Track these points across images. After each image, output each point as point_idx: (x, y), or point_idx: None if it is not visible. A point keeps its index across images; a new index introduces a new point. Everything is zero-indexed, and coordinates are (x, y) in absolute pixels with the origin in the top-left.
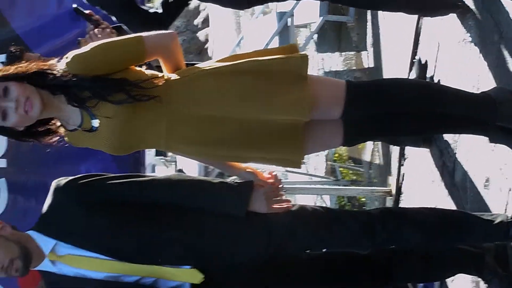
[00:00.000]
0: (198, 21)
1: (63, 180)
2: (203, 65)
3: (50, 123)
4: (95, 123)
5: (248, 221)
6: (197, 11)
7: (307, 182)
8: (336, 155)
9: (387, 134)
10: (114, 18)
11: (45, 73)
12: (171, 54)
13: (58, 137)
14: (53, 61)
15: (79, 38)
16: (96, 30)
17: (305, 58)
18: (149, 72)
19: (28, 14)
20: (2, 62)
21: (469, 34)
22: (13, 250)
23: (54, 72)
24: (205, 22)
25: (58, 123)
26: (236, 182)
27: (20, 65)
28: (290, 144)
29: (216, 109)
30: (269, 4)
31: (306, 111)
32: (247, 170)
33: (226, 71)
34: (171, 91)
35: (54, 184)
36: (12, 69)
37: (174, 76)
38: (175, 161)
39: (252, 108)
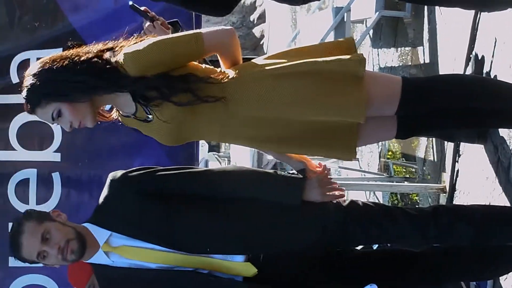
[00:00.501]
0: (254, 17)
1: (119, 172)
2: (260, 61)
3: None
4: (150, 116)
5: (302, 212)
6: (253, 7)
7: (360, 178)
8: (390, 153)
9: (442, 128)
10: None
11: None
12: (230, 51)
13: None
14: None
15: (135, 35)
16: (152, 24)
17: (363, 61)
18: (206, 67)
19: (85, 8)
20: None
21: None
22: (69, 232)
23: (118, 67)
24: (261, 18)
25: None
26: (290, 173)
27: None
28: (344, 142)
29: (272, 110)
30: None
31: (362, 115)
32: (299, 159)
33: (283, 73)
34: (228, 91)
35: (110, 176)
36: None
37: (231, 73)
38: (228, 156)
39: (308, 110)
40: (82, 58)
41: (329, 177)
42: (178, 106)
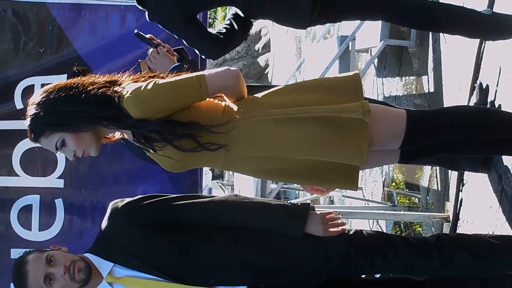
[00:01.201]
0: (258, 46)
1: (120, 202)
2: (263, 100)
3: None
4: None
5: (306, 240)
6: (258, 36)
7: (364, 207)
8: (393, 184)
9: (445, 154)
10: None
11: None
12: (234, 92)
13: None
14: (117, 86)
15: (140, 60)
16: (155, 50)
17: (367, 113)
18: (209, 102)
19: (90, 34)
20: None
21: None
22: (73, 256)
23: (122, 107)
24: (266, 47)
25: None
26: (293, 204)
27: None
28: (346, 174)
29: (275, 153)
30: (331, 28)
31: (365, 161)
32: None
33: (286, 118)
34: (232, 133)
35: (111, 206)
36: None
37: (235, 109)
38: (232, 185)
39: (311, 154)
40: (88, 89)
41: (332, 211)
42: (182, 151)
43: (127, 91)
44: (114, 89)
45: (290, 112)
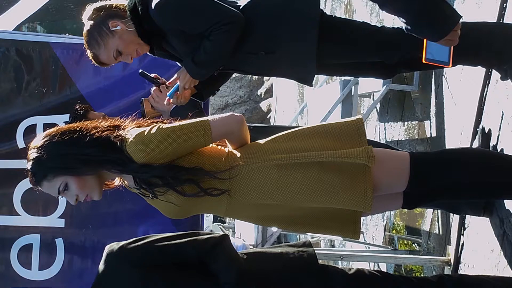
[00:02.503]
0: (261, 91)
1: (115, 245)
2: (267, 145)
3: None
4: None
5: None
6: (260, 81)
7: (365, 250)
8: (394, 230)
9: (447, 199)
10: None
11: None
12: (238, 138)
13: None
14: (120, 131)
15: (142, 98)
16: (158, 88)
17: (371, 160)
18: (212, 148)
19: (93, 74)
20: (66, 122)
21: None
22: None
23: (125, 151)
24: (268, 92)
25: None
26: (298, 248)
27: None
28: (348, 223)
29: (278, 199)
30: None
31: (368, 207)
32: None
33: (291, 164)
34: (235, 179)
35: (106, 249)
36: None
37: (238, 155)
38: (233, 228)
39: (314, 200)
40: (92, 132)
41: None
42: (185, 196)
43: (131, 135)
44: (118, 133)
45: (294, 158)
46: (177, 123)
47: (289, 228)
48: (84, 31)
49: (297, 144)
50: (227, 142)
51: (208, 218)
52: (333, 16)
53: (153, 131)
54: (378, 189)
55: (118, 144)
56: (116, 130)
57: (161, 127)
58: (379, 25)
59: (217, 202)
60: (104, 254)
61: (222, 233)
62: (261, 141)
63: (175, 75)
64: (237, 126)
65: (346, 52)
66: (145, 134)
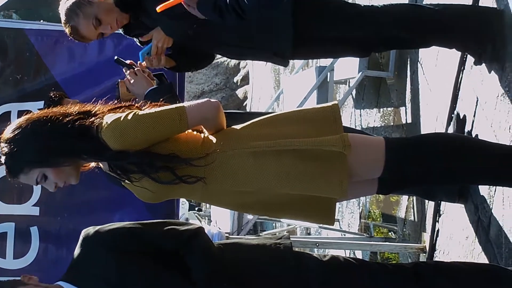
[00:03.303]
0: (237, 78)
1: (91, 229)
2: (244, 131)
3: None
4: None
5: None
6: (236, 69)
7: (340, 238)
8: (370, 218)
9: (422, 184)
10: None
11: (91, 142)
12: (214, 124)
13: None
14: (94, 117)
15: (119, 80)
16: (133, 71)
17: (347, 148)
18: (189, 134)
19: (68, 61)
20: (40, 109)
21: (507, 89)
22: (45, 286)
23: (100, 137)
24: (244, 80)
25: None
26: (276, 243)
27: (70, 119)
28: (323, 208)
29: (254, 186)
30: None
31: (344, 193)
32: None
33: (267, 151)
34: (211, 165)
35: (83, 233)
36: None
37: (214, 140)
38: (209, 216)
39: (290, 187)
40: (64, 122)
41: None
42: (160, 183)
43: (106, 122)
44: (90, 120)
45: (270, 145)
46: (152, 110)
47: (265, 214)
48: (64, 10)
49: (273, 131)
50: (203, 127)
51: (183, 206)
52: None
53: (129, 117)
54: (354, 175)
55: (93, 131)
56: (89, 117)
57: (137, 113)
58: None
59: (193, 188)
60: (80, 238)
61: (198, 224)
62: (237, 127)
63: (149, 33)
64: (213, 112)
65: (328, 22)
66: (121, 120)
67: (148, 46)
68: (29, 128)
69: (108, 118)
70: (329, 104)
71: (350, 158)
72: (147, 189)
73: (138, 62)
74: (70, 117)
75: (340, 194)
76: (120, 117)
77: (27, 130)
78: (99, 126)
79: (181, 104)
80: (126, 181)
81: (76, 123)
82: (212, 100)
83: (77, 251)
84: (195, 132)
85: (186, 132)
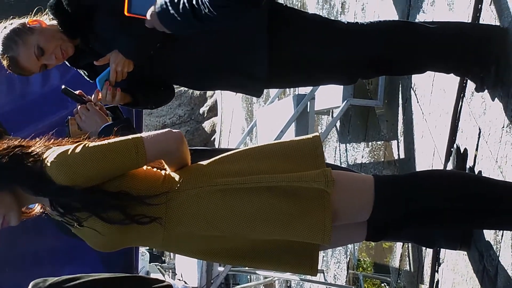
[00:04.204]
0: (203, 109)
1: (41, 283)
2: (210, 167)
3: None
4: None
5: None
6: (203, 98)
7: None
8: (360, 268)
9: (418, 227)
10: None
11: (31, 173)
12: (176, 158)
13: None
14: (39, 146)
15: (69, 117)
16: (84, 106)
17: (330, 184)
18: (148, 171)
19: (7, 92)
20: None
21: None
22: None
23: (41, 170)
24: (212, 111)
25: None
26: None
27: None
28: (303, 257)
29: (224, 231)
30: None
31: (327, 239)
32: None
33: (236, 189)
34: (172, 206)
35: (31, 286)
36: None
37: (176, 178)
38: (173, 268)
39: (264, 231)
40: (1, 148)
41: None
42: (109, 224)
43: (51, 155)
44: (33, 150)
45: (240, 182)
46: (105, 141)
47: (236, 263)
48: (0, 39)
49: (244, 166)
50: (164, 163)
51: (143, 258)
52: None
53: (77, 150)
54: (339, 218)
55: (34, 164)
56: (29, 148)
57: (86, 145)
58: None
59: (152, 232)
60: None
61: (165, 282)
62: (204, 163)
63: (106, 56)
64: (175, 144)
65: (307, 42)
66: (68, 153)
67: (106, 71)
68: None
69: (53, 152)
70: (310, 136)
71: (334, 197)
72: (98, 232)
73: (88, 96)
74: (7, 150)
75: (322, 240)
76: (68, 149)
77: None
78: (42, 160)
79: (138, 135)
80: (75, 225)
81: (11, 154)
82: (174, 130)
83: None
84: (155, 169)
85: (145, 168)
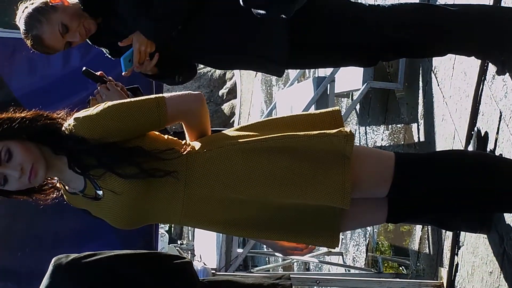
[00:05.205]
0: (223, 91)
1: (64, 259)
2: (231, 133)
3: (49, 179)
4: (100, 192)
5: None
6: (222, 81)
7: (344, 274)
8: (378, 251)
9: (440, 210)
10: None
11: (51, 130)
12: (197, 120)
13: (55, 195)
14: (61, 113)
15: (90, 97)
16: (105, 86)
17: (350, 138)
18: (169, 138)
19: (28, 74)
20: None
21: None
22: None
23: (61, 130)
24: (231, 93)
25: (56, 180)
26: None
27: (25, 115)
28: (325, 227)
29: (243, 192)
30: (306, 69)
31: (347, 202)
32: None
33: (258, 148)
34: (192, 167)
35: (53, 262)
36: (17, 121)
37: (197, 145)
38: (192, 249)
39: (285, 193)
40: (22, 115)
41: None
42: (125, 179)
43: (73, 116)
44: (56, 118)
45: (261, 141)
46: (127, 100)
47: (253, 235)
48: (23, 18)
49: (266, 133)
50: (186, 131)
51: (163, 239)
52: None
53: (99, 108)
54: (357, 188)
55: (55, 124)
56: (53, 115)
57: (108, 104)
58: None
59: (172, 197)
60: (50, 267)
61: (186, 258)
62: (224, 131)
63: (129, 37)
64: (196, 104)
65: (326, 25)
66: (90, 112)
67: (129, 51)
68: None
69: (77, 114)
70: (330, 109)
71: (354, 165)
72: (115, 193)
73: (108, 77)
74: (31, 113)
75: (342, 202)
76: (89, 109)
77: None
78: (63, 124)
79: (160, 94)
80: (96, 197)
81: (36, 114)
82: (194, 92)
83: (45, 282)
84: (176, 138)
85: (167, 137)
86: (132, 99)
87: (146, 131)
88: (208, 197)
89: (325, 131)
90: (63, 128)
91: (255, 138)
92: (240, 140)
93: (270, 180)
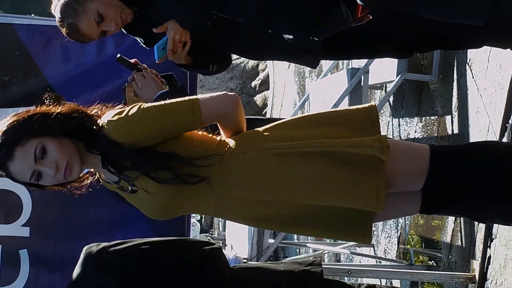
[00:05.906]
0: (255, 83)
1: (95, 247)
2: (266, 133)
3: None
4: (134, 188)
5: None
6: (255, 72)
7: (375, 265)
8: (409, 245)
9: (474, 202)
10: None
11: (86, 128)
12: (232, 122)
13: (89, 180)
14: (96, 109)
15: (126, 83)
16: (141, 73)
17: (385, 150)
18: (203, 135)
19: (63, 61)
20: None
21: None
22: None
23: (96, 128)
24: (264, 84)
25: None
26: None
27: (60, 110)
28: (357, 223)
29: (275, 194)
30: (339, 61)
31: (381, 206)
32: None
33: (292, 153)
34: (226, 168)
35: (84, 250)
36: (51, 117)
37: (231, 143)
38: (223, 239)
39: (318, 198)
40: (59, 110)
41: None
42: (158, 183)
43: (107, 114)
44: (92, 115)
45: (295, 146)
46: (161, 102)
47: (288, 230)
48: (58, 7)
49: (300, 132)
50: (220, 129)
51: (194, 228)
52: None
53: (133, 110)
54: (392, 186)
55: (90, 121)
56: (88, 111)
57: (142, 106)
58: None
59: (206, 198)
60: (82, 255)
61: (215, 244)
62: (259, 129)
63: (164, 24)
64: (231, 106)
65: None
66: (124, 113)
67: (163, 39)
68: (25, 118)
69: (109, 114)
70: (366, 105)
71: (388, 164)
72: (149, 193)
73: (143, 65)
74: (67, 107)
75: (376, 207)
76: (123, 110)
77: (23, 117)
78: (97, 121)
79: (194, 96)
80: (130, 189)
81: (71, 109)
82: (230, 93)
83: (76, 270)
84: (210, 135)
85: (200, 133)
86: (166, 102)
87: (179, 134)
88: (240, 198)
89: (361, 138)
90: (98, 127)
91: (288, 143)
92: (273, 144)
93: (304, 185)
